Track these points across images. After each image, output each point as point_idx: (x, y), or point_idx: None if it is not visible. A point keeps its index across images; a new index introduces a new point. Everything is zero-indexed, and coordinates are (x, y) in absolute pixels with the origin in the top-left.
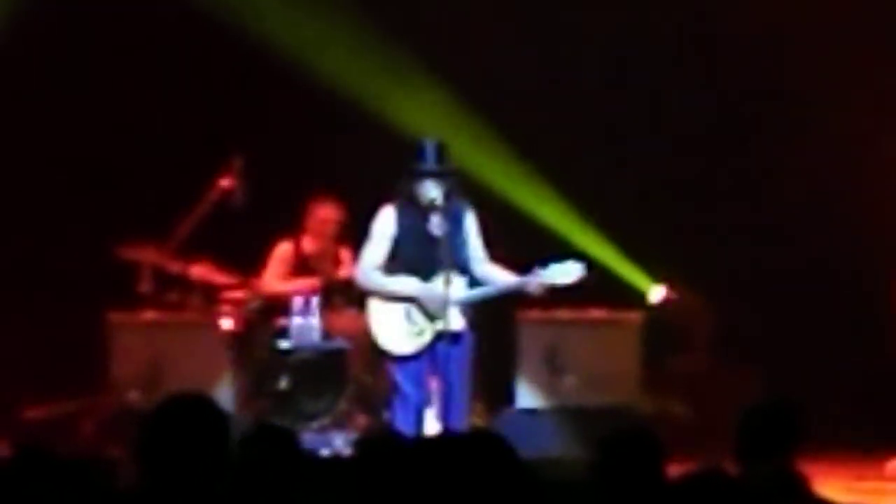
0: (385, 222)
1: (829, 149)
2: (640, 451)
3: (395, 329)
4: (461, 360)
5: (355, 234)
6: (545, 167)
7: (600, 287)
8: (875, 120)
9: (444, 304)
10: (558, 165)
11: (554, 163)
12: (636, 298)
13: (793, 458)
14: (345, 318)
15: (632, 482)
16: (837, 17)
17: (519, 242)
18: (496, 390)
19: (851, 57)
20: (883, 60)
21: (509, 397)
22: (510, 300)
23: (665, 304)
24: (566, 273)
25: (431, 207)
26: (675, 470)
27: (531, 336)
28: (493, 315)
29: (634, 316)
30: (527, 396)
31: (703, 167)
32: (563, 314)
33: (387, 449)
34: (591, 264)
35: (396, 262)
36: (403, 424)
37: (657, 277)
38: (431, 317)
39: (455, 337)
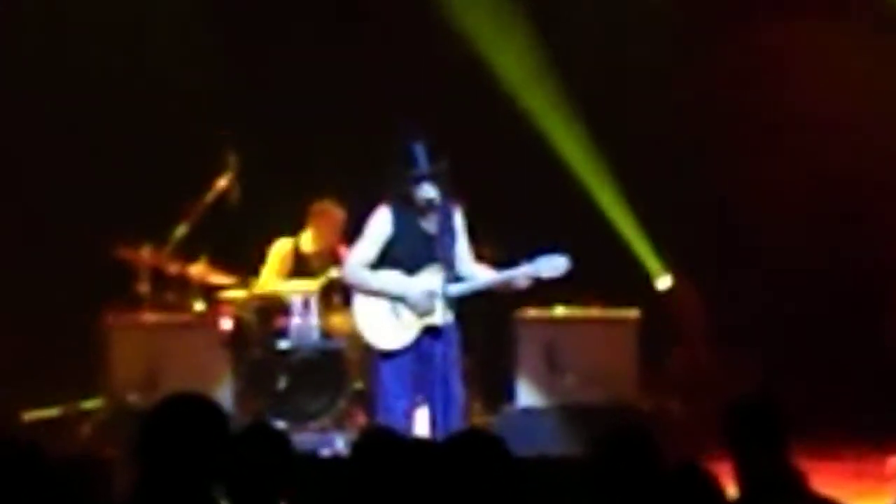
0: (382, 223)
1: (831, 141)
2: (637, 448)
3: (381, 324)
4: (448, 356)
5: (348, 234)
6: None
7: (601, 275)
8: (873, 109)
9: (431, 300)
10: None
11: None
12: (636, 287)
13: (788, 453)
14: (344, 318)
15: (628, 480)
16: None
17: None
18: (496, 389)
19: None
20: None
21: (509, 396)
22: (509, 299)
23: (668, 293)
24: (553, 266)
25: (429, 207)
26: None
27: (530, 334)
28: (492, 314)
29: (632, 313)
30: (527, 395)
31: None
32: (562, 312)
33: (384, 449)
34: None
35: (388, 260)
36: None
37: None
38: (420, 314)
39: (440, 332)
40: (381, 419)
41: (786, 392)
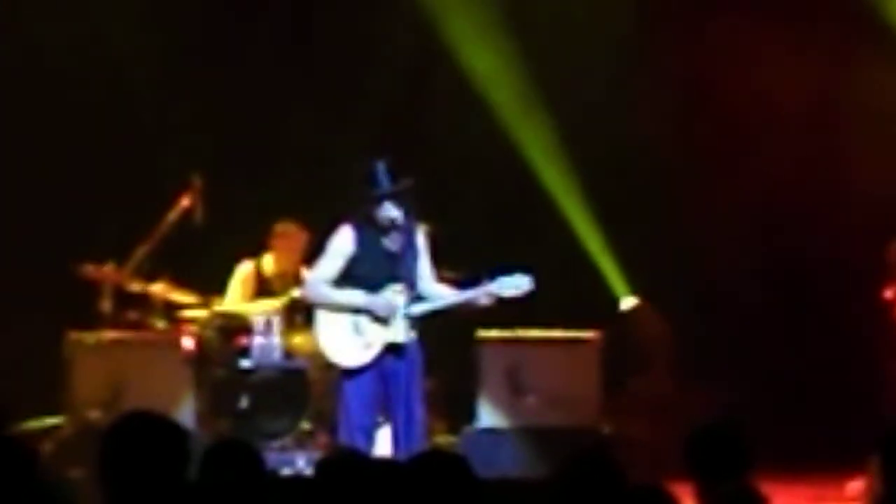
0: (344, 241)
1: (799, 172)
2: (599, 471)
3: (343, 342)
4: (410, 375)
5: (311, 255)
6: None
7: (566, 296)
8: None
9: (394, 309)
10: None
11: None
12: (600, 309)
13: (749, 478)
14: (306, 338)
15: (590, 502)
16: None
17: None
18: (459, 410)
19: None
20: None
21: (471, 417)
22: (472, 319)
23: (632, 315)
24: (515, 285)
25: (391, 226)
26: None
27: (493, 356)
28: (454, 334)
29: (596, 336)
30: (489, 416)
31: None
32: (525, 334)
33: (347, 470)
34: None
35: (350, 278)
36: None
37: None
38: (382, 322)
39: (402, 351)
40: (343, 438)
41: (747, 416)
